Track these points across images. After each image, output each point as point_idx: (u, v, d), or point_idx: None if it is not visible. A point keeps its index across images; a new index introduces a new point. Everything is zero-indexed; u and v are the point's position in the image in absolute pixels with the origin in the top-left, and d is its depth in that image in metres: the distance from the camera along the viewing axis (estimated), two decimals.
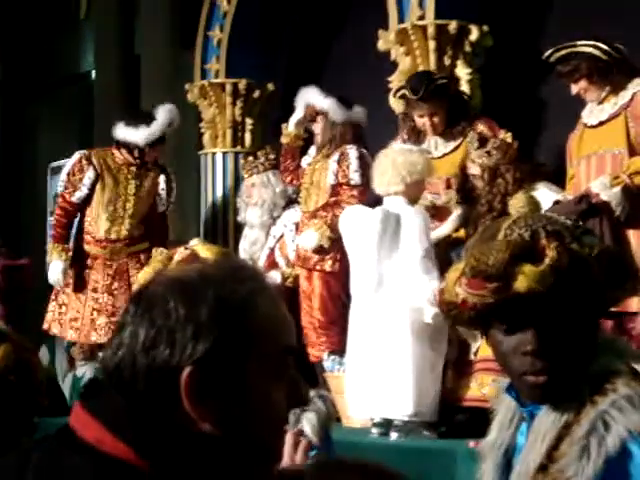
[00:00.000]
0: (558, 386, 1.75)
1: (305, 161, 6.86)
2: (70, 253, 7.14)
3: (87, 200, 7.15)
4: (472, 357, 5.50)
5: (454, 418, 5.41)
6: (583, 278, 1.71)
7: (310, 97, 6.63)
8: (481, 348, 5.26)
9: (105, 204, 7.12)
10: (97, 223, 7.13)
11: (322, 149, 6.61)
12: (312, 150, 6.84)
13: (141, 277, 5.56)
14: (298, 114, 6.76)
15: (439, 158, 6.12)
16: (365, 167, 6.35)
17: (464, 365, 5.52)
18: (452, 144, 6.18)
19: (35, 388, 2.40)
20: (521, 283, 1.67)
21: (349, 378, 5.61)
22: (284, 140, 6.97)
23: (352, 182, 6.38)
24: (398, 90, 6.28)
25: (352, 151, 6.43)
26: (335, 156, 6.47)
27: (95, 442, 1.25)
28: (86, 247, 7.18)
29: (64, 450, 1.27)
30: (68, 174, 7.19)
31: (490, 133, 5.97)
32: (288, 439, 2.21)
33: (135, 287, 5.89)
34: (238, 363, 1.29)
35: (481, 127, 6.05)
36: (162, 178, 7.33)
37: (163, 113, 7.08)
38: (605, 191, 5.14)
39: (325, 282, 6.41)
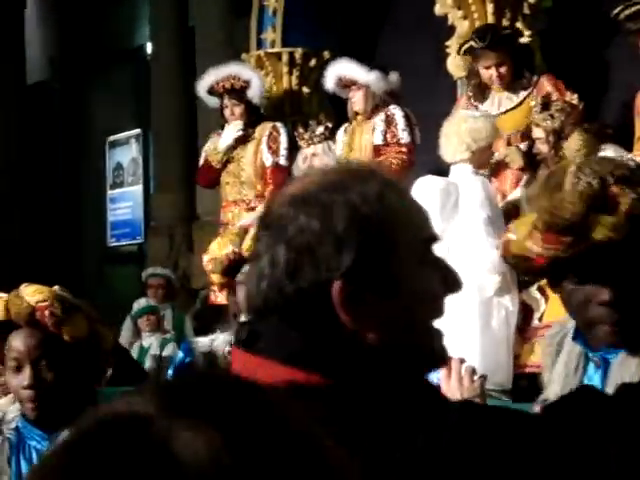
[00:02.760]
0: (633, 332, 1.74)
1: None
2: None
3: None
4: (536, 322, 5.45)
5: (518, 383, 5.38)
6: None
7: (349, 71, 6.57)
8: (546, 314, 5.21)
9: None
10: None
11: (360, 115, 6.59)
12: (340, 134, 6.73)
13: (214, 248, 5.65)
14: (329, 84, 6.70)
15: (502, 114, 6.09)
16: (412, 126, 6.35)
17: (528, 331, 5.48)
18: (515, 99, 6.15)
19: (101, 357, 2.46)
20: (598, 234, 1.65)
21: None
22: None
23: (402, 140, 6.38)
24: (462, 45, 6.22)
25: (397, 111, 6.42)
26: (381, 115, 6.45)
27: (286, 380, 1.17)
28: None
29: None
30: None
31: (555, 91, 5.91)
32: (454, 365, 2.22)
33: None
34: (384, 264, 1.21)
35: (546, 84, 6.01)
36: None
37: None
38: None
39: None
